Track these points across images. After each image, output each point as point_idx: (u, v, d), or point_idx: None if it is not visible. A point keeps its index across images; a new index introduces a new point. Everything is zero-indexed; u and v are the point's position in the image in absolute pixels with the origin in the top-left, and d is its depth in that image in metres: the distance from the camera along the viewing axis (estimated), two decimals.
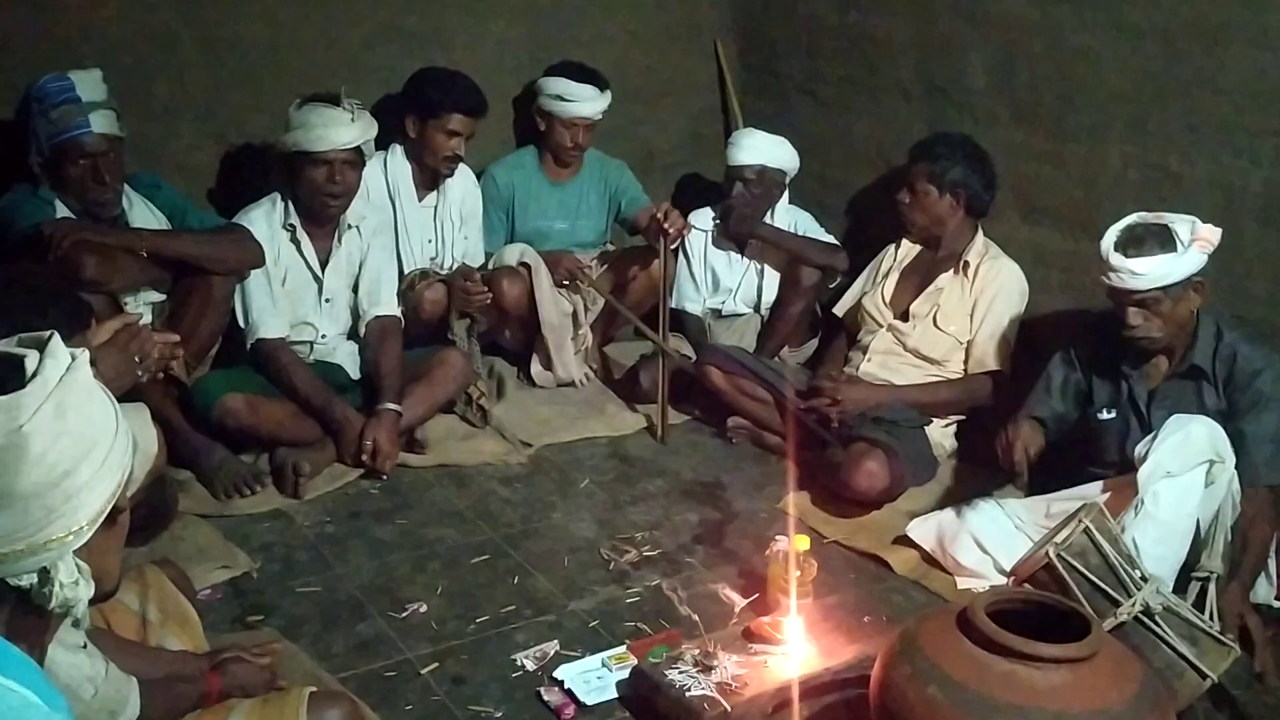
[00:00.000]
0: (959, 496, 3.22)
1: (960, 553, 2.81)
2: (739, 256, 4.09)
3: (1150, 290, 2.65)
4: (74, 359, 1.22)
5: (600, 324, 4.09)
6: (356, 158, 3.36)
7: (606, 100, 3.96)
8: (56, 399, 1.17)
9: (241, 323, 3.35)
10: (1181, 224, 2.64)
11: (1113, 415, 2.86)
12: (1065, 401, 2.97)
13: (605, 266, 4.09)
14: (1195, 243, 2.62)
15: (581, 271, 3.95)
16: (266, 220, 3.39)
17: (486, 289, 3.69)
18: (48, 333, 1.24)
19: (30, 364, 1.18)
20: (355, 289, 3.54)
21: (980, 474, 3.41)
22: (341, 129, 3.28)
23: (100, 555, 1.24)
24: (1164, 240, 2.63)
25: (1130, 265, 2.64)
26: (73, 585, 1.18)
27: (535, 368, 3.95)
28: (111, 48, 3.49)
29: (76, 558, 1.19)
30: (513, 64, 4.15)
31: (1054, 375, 2.98)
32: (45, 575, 1.16)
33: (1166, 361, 2.81)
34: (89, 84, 3.03)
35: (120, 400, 2.25)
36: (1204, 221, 2.70)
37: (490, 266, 3.89)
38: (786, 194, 4.04)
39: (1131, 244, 2.65)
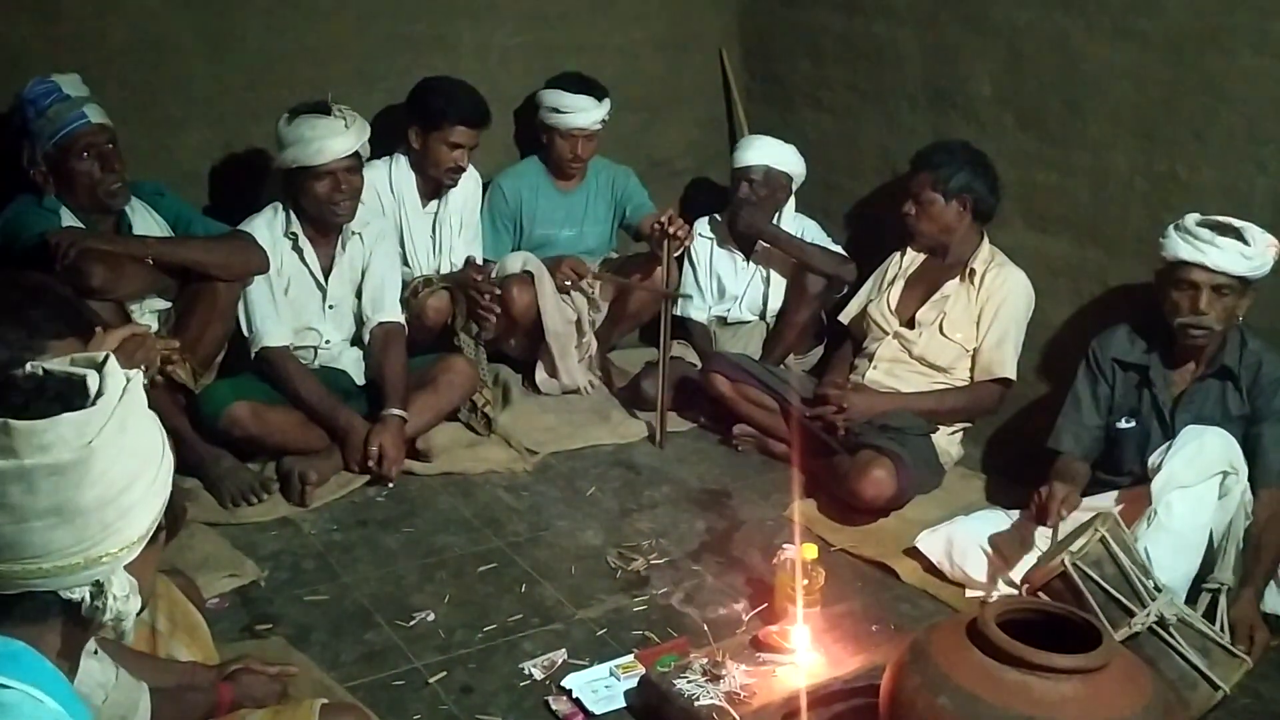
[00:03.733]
0: (965, 504, 3.22)
1: (969, 565, 2.80)
2: (744, 263, 4.09)
3: (1227, 275, 2.66)
4: (129, 379, 1.25)
5: (603, 331, 4.09)
6: (356, 162, 3.37)
7: (604, 109, 3.94)
8: (119, 417, 1.21)
9: (245, 331, 3.35)
10: (1249, 229, 2.68)
11: (1132, 424, 2.86)
12: (1100, 415, 2.96)
13: (605, 285, 4.08)
14: (1271, 246, 2.66)
15: (585, 268, 3.94)
16: (268, 229, 3.39)
17: (496, 287, 3.68)
18: (103, 354, 1.27)
19: (93, 383, 1.22)
20: (359, 295, 3.55)
21: (987, 481, 3.42)
22: (339, 138, 3.28)
23: (140, 572, 1.27)
24: (1237, 236, 2.67)
25: (1219, 240, 2.65)
26: (125, 598, 1.22)
27: (540, 375, 3.95)
28: (116, 56, 3.50)
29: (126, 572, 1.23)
30: (519, 72, 4.15)
31: (1082, 392, 2.97)
32: (99, 588, 1.20)
33: (1195, 364, 2.82)
34: (71, 83, 3.08)
35: None
36: None
37: (494, 274, 3.89)
38: (793, 201, 4.04)
39: (1213, 226, 2.68)
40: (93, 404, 1.19)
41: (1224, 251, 2.65)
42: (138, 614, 1.31)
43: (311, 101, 3.32)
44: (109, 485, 1.18)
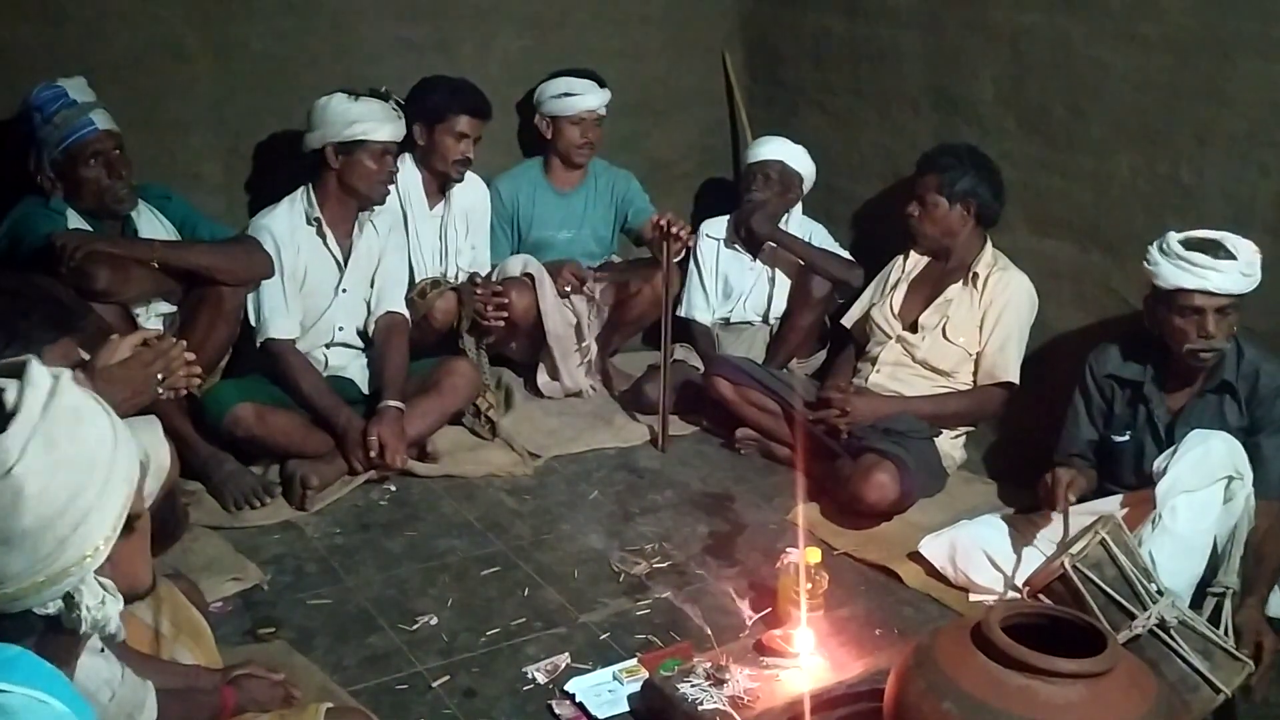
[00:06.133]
0: (968, 507, 3.22)
1: (972, 570, 2.80)
2: (750, 262, 4.09)
3: (1229, 295, 2.64)
4: (56, 381, 1.17)
5: (605, 335, 4.09)
6: (398, 150, 3.53)
7: (606, 96, 4.00)
8: (44, 432, 1.13)
9: (252, 320, 3.36)
10: (1229, 239, 2.65)
11: (1126, 438, 2.86)
12: (1097, 430, 2.95)
13: (607, 288, 4.08)
14: (1254, 253, 2.64)
15: (585, 273, 3.95)
16: (288, 217, 3.42)
17: (501, 297, 3.70)
18: (24, 358, 1.19)
19: (10, 398, 1.14)
20: (370, 284, 3.58)
21: (990, 485, 3.42)
22: (398, 124, 3.48)
23: (126, 563, 1.23)
24: (1222, 253, 2.63)
25: (1218, 264, 2.61)
26: (100, 605, 1.17)
27: (542, 378, 3.96)
28: (120, 60, 3.50)
29: (99, 576, 1.18)
30: (520, 75, 4.16)
31: (1079, 409, 2.96)
32: (71, 600, 1.16)
33: (1193, 380, 2.81)
34: (78, 88, 3.08)
35: (133, 415, 2.24)
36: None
37: (494, 278, 3.89)
38: (800, 205, 4.04)
39: (1208, 249, 2.64)
40: (6, 426, 1.12)
41: (1225, 274, 2.62)
42: (142, 599, 1.27)
43: (370, 89, 3.45)
44: (49, 503, 1.12)
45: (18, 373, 1.16)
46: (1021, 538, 2.80)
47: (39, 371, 1.17)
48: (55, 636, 1.18)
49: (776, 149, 3.96)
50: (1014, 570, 2.71)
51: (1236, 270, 2.63)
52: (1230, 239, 2.67)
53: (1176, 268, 2.65)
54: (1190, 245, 2.66)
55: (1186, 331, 2.69)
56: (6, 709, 1.08)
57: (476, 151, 3.79)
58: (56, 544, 1.13)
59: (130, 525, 1.22)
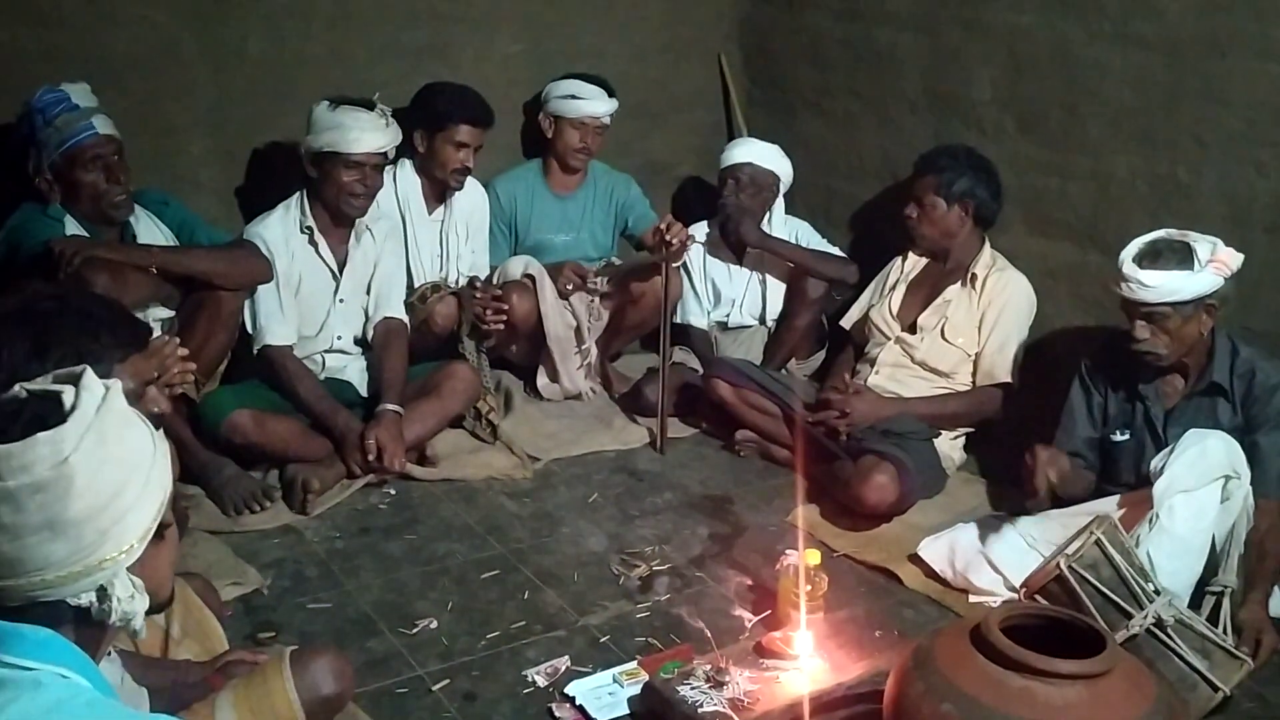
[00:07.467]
0: (968, 509, 3.22)
1: (971, 572, 2.80)
2: (737, 267, 4.09)
3: (1159, 304, 2.65)
4: (107, 389, 1.29)
5: (606, 339, 4.09)
6: (383, 162, 3.45)
7: (614, 105, 3.99)
8: (97, 429, 1.24)
9: (249, 327, 3.36)
10: (1203, 244, 2.64)
11: (1126, 437, 2.86)
12: (1095, 427, 2.95)
13: (610, 281, 4.09)
14: (1212, 264, 2.62)
15: (586, 271, 3.95)
16: (282, 224, 3.41)
17: (500, 301, 3.70)
18: (80, 367, 1.31)
19: (68, 398, 1.26)
20: (368, 291, 3.57)
21: (989, 486, 3.42)
22: (376, 133, 3.36)
23: (153, 569, 1.32)
24: (1182, 257, 2.63)
25: (1141, 276, 2.64)
26: (129, 599, 1.27)
27: (541, 381, 3.96)
28: (119, 65, 3.50)
29: (130, 573, 1.27)
30: (518, 79, 4.16)
31: (1076, 405, 2.96)
32: (103, 592, 1.25)
33: (1183, 381, 2.81)
34: (81, 93, 3.09)
35: None
36: (1212, 234, 2.71)
37: (494, 280, 3.89)
38: (783, 204, 4.04)
39: (1148, 257, 2.66)
40: (65, 421, 1.23)
41: (1155, 289, 2.62)
42: (160, 611, 1.37)
43: (355, 96, 3.38)
44: (96, 495, 1.23)
45: (75, 380, 1.29)
46: (1020, 539, 2.79)
47: (94, 379, 1.30)
48: (84, 628, 1.27)
49: (744, 152, 3.96)
50: (1013, 572, 2.70)
51: (1171, 279, 2.62)
52: (1199, 246, 2.64)
53: (1116, 283, 2.70)
54: (1146, 254, 2.66)
55: (1129, 331, 2.74)
56: (37, 684, 1.17)
57: (476, 159, 3.78)
58: (97, 536, 1.23)
59: (161, 533, 1.32)
